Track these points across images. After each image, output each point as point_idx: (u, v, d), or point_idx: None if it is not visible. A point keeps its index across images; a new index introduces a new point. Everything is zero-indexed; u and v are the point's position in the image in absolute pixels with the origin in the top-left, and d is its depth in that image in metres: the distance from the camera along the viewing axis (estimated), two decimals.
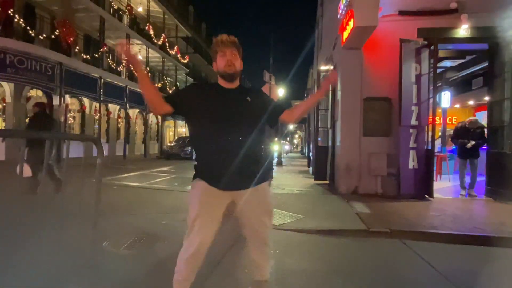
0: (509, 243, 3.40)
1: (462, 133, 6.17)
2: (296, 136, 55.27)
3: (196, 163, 1.70)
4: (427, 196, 5.72)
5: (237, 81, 1.70)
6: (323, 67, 8.96)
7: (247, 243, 1.84)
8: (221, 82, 1.69)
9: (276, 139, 15.80)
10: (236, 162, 1.56)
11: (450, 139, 7.04)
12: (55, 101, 12.07)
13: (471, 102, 12.41)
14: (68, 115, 13.18)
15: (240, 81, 1.75)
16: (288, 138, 45.01)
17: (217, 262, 2.71)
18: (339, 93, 6.79)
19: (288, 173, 10.92)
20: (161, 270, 2.60)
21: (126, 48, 1.54)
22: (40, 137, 4.22)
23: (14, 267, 2.33)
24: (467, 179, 6.15)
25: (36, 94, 12.49)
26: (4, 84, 11.10)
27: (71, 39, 11.91)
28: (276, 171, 10.89)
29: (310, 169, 11.36)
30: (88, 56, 13.53)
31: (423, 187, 5.80)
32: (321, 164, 8.14)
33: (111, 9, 15.36)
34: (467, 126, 6.17)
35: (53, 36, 11.61)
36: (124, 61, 16.38)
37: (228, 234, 2.77)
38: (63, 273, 2.15)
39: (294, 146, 51.59)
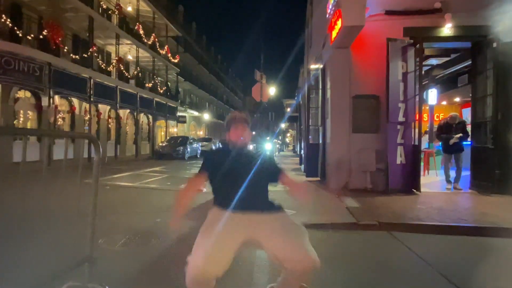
0: (490, 233, 3.58)
1: (446, 129, 6.38)
2: (288, 134, 55.55)
3: (214, 201, 1.88)
4: (414, 190, 5.90)
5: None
6: (313, 66, 9.09)
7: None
8: (233, 148, 1.94)
9: (268, 138, 15.94)
10: (248, 190, 1.77)
11: (435, 136, 7.23)
12: (44, 102, 11.90)
13: (457, 99, 12.70)
14: (58, 116, 13.00)
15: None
16: (280, 137, 45.23)
17: None
18: (329, 92, 6.92)
19: None
20: (156, 266, 2.67)
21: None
22: (34, 134, 4.28)
23: (13, 265, 2.36)
24: (453, 173, 6.36)
25: (24, 95, 12.29)
26: None
27: (59, 39, 11.75)
28: None
29: (302, 166, 11.49)
30: (77, 56, 13.34)
31: (410, 182, 5.97)
32: (313, 161, 8.29)
33: (100, 8, 15.15)
34: (448, 122, 6.39)
35: (41, 36, 11.44)
36: (114, 61, 16.25)
37: None
38: (59, 270, 2.19)
39: (287, 144, 51.83)
